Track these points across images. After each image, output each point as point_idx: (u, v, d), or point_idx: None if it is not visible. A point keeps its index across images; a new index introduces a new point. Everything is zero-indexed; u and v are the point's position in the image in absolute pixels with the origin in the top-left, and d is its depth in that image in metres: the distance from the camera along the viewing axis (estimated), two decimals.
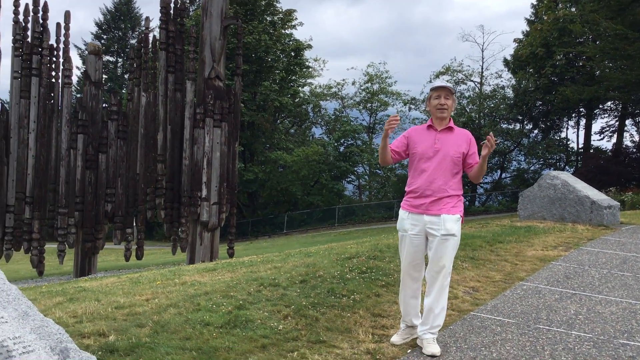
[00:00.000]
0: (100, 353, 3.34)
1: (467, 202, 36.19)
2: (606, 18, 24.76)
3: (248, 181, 35.72)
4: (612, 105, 35.52)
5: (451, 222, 3.93)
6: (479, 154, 4.05)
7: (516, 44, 37.74)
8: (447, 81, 39.57)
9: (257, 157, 39.45)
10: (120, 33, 54.47)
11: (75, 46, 51.16)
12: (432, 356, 3.79)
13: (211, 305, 4.39)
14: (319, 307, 4.52)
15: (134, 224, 12.58)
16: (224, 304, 4.45)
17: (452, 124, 4.10)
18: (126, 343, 3.51)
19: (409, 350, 3.89)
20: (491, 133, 3.95)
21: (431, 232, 3.95)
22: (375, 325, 4.32)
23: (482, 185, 40.26)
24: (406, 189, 4.15)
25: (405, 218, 4.07)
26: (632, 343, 4.23)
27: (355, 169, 41.25)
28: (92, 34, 53.65)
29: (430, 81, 40.97)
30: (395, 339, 4.03)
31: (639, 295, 5.61)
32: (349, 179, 41.99)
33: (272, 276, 5.40)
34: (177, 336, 3.71)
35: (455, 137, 4.06)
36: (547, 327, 4.49)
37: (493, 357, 3.80)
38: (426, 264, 4.10)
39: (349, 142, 39.67)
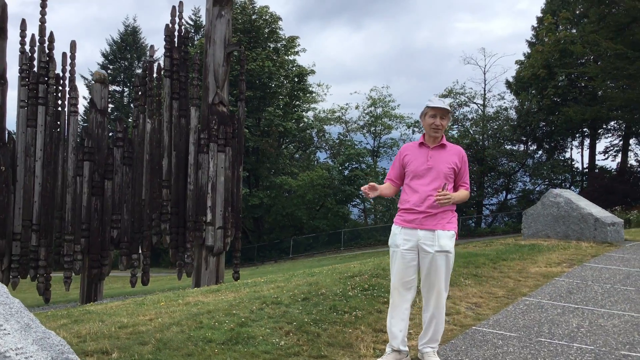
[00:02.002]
0: None
1: (472, 224, 36.13)
2: (606, 38, 25.02)
3: (253, 206, 35.82)
4: (615, 125, 35.64)
5: (445, 238, 3.87)
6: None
7: (518, 66, 38.05)
8: (450, 104, 39.87)
9: (262, 182, 39.61)
10: (126, 63, 55.16)
11: (82, 77, 51.88)
12: None
13: (213, 323, 4.43)
14: (321, 323, 4.55)
15: (140, 250, 12.64)
16: (227, 321, 4.48)
17: (444, 140, 4.09)
18: None
19: None
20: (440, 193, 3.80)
21: (424, 248, 3.88)
22: (377, 340, 4.33)
23: (487, 207, 40.20)
24: (399, 205, 4.08)
25: (397, 233, 3.99)
26: (634, 354, 4.23)
27: (360, 192, 41.19)
28: (98, 64, 54.37)
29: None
30: None
31: None
32: (354, 203, 42.02)
33: (275, 295, 5.44)
34: (179, 353, 3.75)
35: (447, 154, 4.03)
36: (549, 340, 4.50)
37: None
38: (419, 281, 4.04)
39: (354, 166, 39.78)
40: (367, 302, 5.18)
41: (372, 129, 44.64)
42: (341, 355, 3.98)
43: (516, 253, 8.51)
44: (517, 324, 4.94)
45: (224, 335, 4.10)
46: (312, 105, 44.15)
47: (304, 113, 42.48)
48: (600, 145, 37.25)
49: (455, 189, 4.05)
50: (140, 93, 12.59)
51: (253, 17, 37.52)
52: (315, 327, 4.45)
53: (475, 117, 39.45)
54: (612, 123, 35.41)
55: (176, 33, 12.71)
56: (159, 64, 13.12)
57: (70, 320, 5.18)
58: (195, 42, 37.05)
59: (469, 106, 40.34)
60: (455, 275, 6.59)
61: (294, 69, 39.56)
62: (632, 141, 35.76)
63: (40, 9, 11.99)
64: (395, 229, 4.05)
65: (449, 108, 4.01)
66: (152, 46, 13.38)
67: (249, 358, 3.72)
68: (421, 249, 3.91)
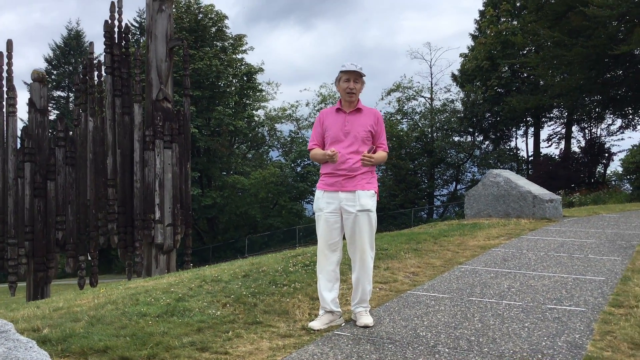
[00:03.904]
0: None
1: (424, 215, 36.70)
2: (544, 27, 25.77)
3: (206, 207, 35.49)
4: (557, 113, 36.72)
5: (366, 197, 4.01)
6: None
7: (462, 59, 38.78)
8: (398, 99, 40.41)
9: (215, 182, 39.31)
10: (70, 68, 53.80)
11: (25, 83, 50.36)
12: (366, 327, 3.90)
13: (150, 300, 4.43)
14: (259, 295, 4.60)
15: (87, 252, 12.41)
16: (163, 297, 4.49)
17: (360, 104, 4.20)
18: (59, 334, 3.53)
19: (343, 324, 4.01)
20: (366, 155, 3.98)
21: (347, 209, 4.01)
22: (314, 306, 4.41)
23: (438, 197, 40.90)
24: (321, 171, 4.21)
25: (320, 197, 4.12)
26: (560, 307, 4.44)
27: (313, 189, 41.44)
28: (42, 69, 52.74)
29: (382, 98, 41.68)
30: (314, 323, 3.94)
31: (572, 270, 5.87)
32: (307, 200, 42.14)
33: (216, 274, 5.47)
34: (112, 327, 3.74)
35: (364, 117, 4.15)
36: (479, 299, 4.67)
37: (424, 325, 3.95)
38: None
39: (306, 163, 39.88)
40: (307, 276, 5.26)
41: None
42: (276, 320, 4.04)
43: (457, 231, 8.74)
44: (451, 287, 5.11)
45: (160, 309, 4.10)
46: (263, 104, 44.07)
47: (254, 112, 42.35)
48: (544, 133, 38.36)
49: (374, 150, 4.17)
50: (80, 91, 12.39)
51: (199, 16, 37.21)
52: (253, 298, 4.50)
53: (423, 110, 40.08)
54: (554, 111, 36.49)
55: (116, 29, 12.54)
56: (99, 61, 12.92)
57: (7, 310, 5.09)
58: (141, 44, 36.45)
59: (417, 100, 40.98)
60: (396, 250, 6.74)
61: (243, 67, 39.40)
62: (574, 128, 36.95)
63: None
64: (318, 193, 4.19)
65: (361, 71, 4.10)
66: (91, 43, 13.16)
67: (184, 327, 3.74)
68: (344, 210, 4.03)
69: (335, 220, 4.05)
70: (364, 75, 4.13)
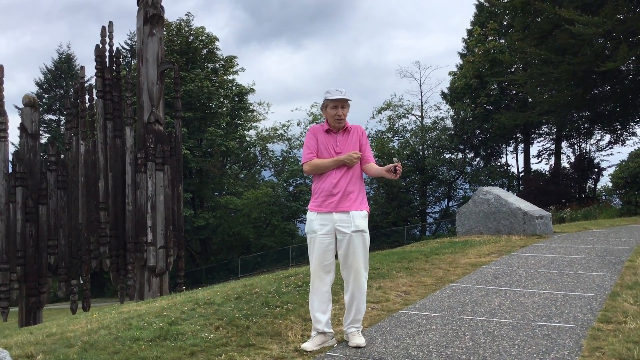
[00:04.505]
0: None
1: (417, 232, 36.77)
2: (531, 46, 26.12)
3: (199, 228, 35.43)
4: (547, 129, 37.06)
5: (360, 218, 4.07)
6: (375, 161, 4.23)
7: (451, 77, 39.18)
8: (389, 117, 40.67)
9: (207, 203, 39.31)
10: (61, 91, 53.83)
11: (16, 107, 50.37)
12: (358, 347, 3.93)
13: (143, 324, 4.45)
14: (252, 317, 4.63)
15: (79, 275, 12.37)
16: (156, 322, 4.51)
17: (347, 124, 4.26)
18: None
19: (335, 345, 4.04)
20: (398, 164, 4.03)
21: (341, 230, 4.04)
22: (306, 328, 4.44)
23: (431, 215, 41.01)
24: (313, 192, 4.24)
25: (314, 219, 4.14)
26: (549, 324, 4.49)
27: (306, 208, 41.38)
28: (33, 93, 52.76)
29: (373, 117, 41.93)
30: (307, 345, 3.96)
31: (562, 287, 5.93)
32: (300, 219, 42.14)
33: (209, 297, 5.49)
34: (105, 352, 3.76)
35: (352, 137, 4.23)
36: (470, 317, 4.71)
37: (416, 344, 3.99)
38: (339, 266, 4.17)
39: (298, 182, 40.00)
40: (300, 297, 5.30)
41: None
42: (269, 342, 4.07)
43: (449, 248, 8.80)
44: (442, 305, 5.15)
45: (153, 334, 4.13)
46: (254, 124, 44.27)
47: (246, 132, 42.51)
48: (534, 150, 38.64)
49: (363, 163, 4.24)
50: (72, 115, 12.44)
51: (190, 38, 37.48)
52: (246, 320, 4.53)
53: (414, 128, 40.35)
54: (544, 127, 36.84)
55: (107, 53, 12.63)
56: (90, 85, 12.98)
57: (0, 336, 5.10)
58: (132, 67, 36.62)
59: (407, 118, 41.28)
60: (388, 269, 6.79)
61: (234, 88, 39.62)
62: (564, 144, 37.26)
63: None
64: (311, 215, 4.20)
65: (347, 97, 4.16)
66: (82, 67, 13.25)
67: (177, 351, 3.76)
68: (338, 231, 4.07)
69: (329, 241, 4.08)
70: (350, 100, 4.19)
